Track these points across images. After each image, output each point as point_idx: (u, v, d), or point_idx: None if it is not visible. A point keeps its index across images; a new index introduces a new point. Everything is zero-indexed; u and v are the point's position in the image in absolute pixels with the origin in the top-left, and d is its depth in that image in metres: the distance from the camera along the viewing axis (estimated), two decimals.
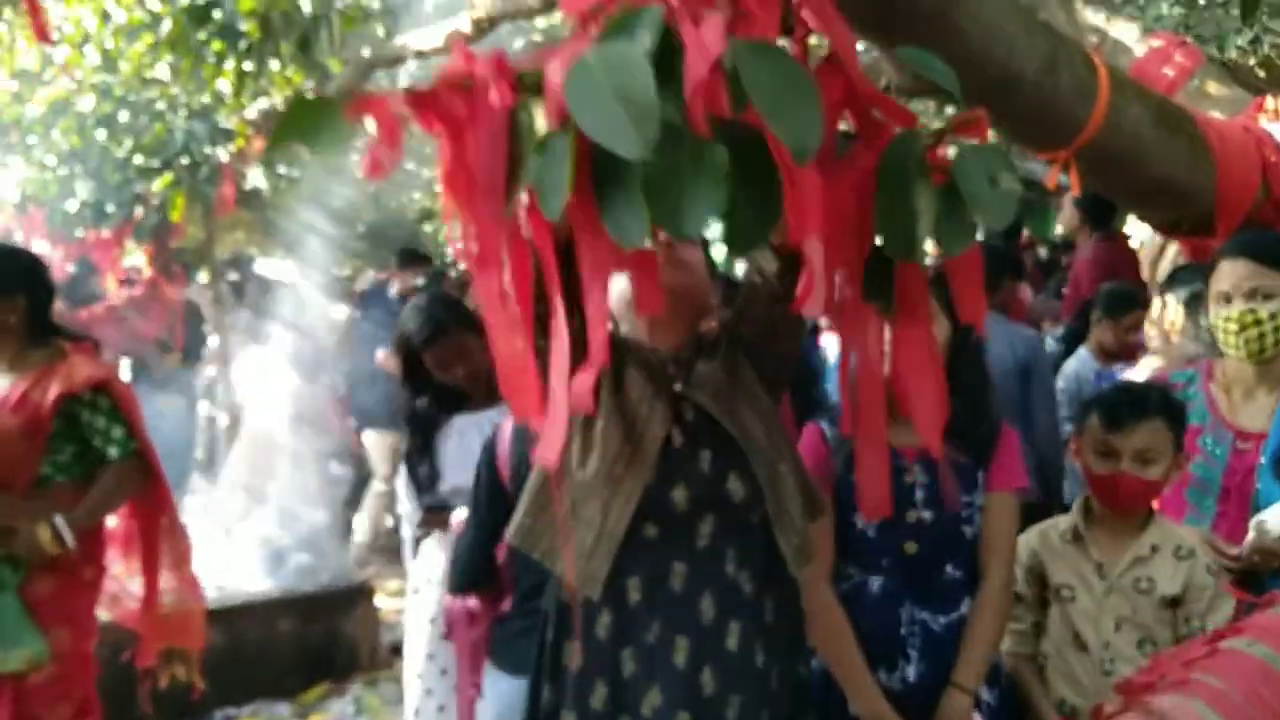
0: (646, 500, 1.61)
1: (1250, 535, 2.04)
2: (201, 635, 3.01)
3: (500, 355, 1.24)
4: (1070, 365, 3.69)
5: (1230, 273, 2.17)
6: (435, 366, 2.71)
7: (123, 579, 2.91)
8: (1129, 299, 3.72)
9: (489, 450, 2.19)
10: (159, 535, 2.88)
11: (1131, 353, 3.69)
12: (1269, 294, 2.12)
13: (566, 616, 1.68)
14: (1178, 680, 1.43)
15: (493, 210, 1.15)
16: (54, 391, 2.60)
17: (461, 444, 2.64)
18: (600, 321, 1.18)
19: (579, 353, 1.24)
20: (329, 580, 4.48)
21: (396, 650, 3.35)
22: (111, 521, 2.87)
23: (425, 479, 2.73)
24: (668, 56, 1.10)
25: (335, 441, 6.12)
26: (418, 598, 2.80)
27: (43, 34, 1.79)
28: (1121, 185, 3.15)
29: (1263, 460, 2.10)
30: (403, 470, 2.81)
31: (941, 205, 1.27)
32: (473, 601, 2.33)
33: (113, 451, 2.69)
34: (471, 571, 2.30)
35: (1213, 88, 5.14)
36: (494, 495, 2.15)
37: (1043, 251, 6.72)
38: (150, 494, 2.84)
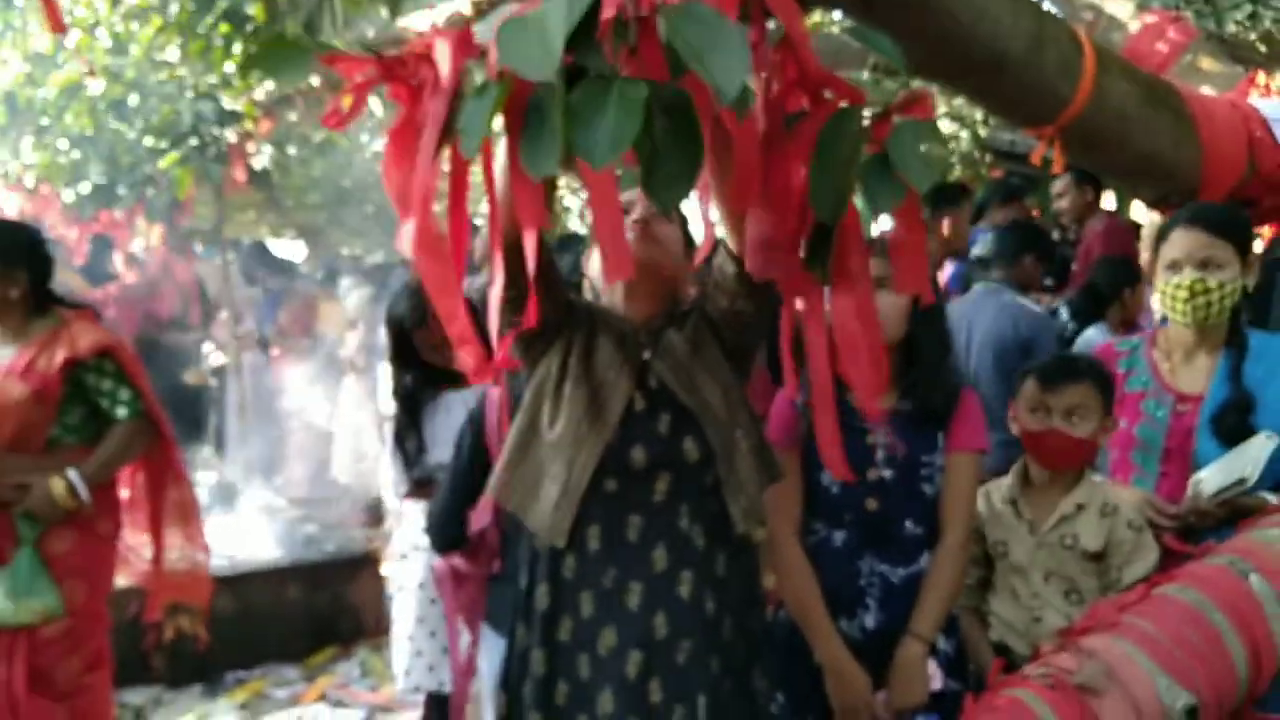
0: (608, 457, 1.70)
1: (1187, 495, 2.12)
2: (207, 591, 3.08)
3: (439, 310, 1.38)
4: (1089, 334, 3.74)
5: (1180, 242, 2.21)
6: (424, 347, 2.79)
7: (132, 540, 2.99)
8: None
9: (476, 418, 2.30)
10: (166, 494, 2.97)
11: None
12: (1219, 264, 2.17)
13: (537, 563, 1.79)
14: (1110, 623, 1.52)
15: (429, 158, 1.26)
16: (60, 357, 2.69)
17: (448, 419, 2.71)
18: (531, 269, 1.31)
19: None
20: (334, 549, 4.58)
21: None
22: (124, 490, 2.96)
23: (413, 452, 2.80)
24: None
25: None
26: (404, 564, 2.89)
27: (57, 24, 1.87)
28: (1108, 161, 3.18)
29: (1200, 421, 2.17)
30: (390, 443, 2.88)
31: (872, 170, 1.36)
32: (457, 560, 2.42)
33: (121, 412, 2.77)
34: (444, 529, 2.40)
35: (1206, 63, 5.15)
36: (475, 458, 2.27)
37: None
38: (158, 454, 2.93)
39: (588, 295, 1.94)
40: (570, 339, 1.77)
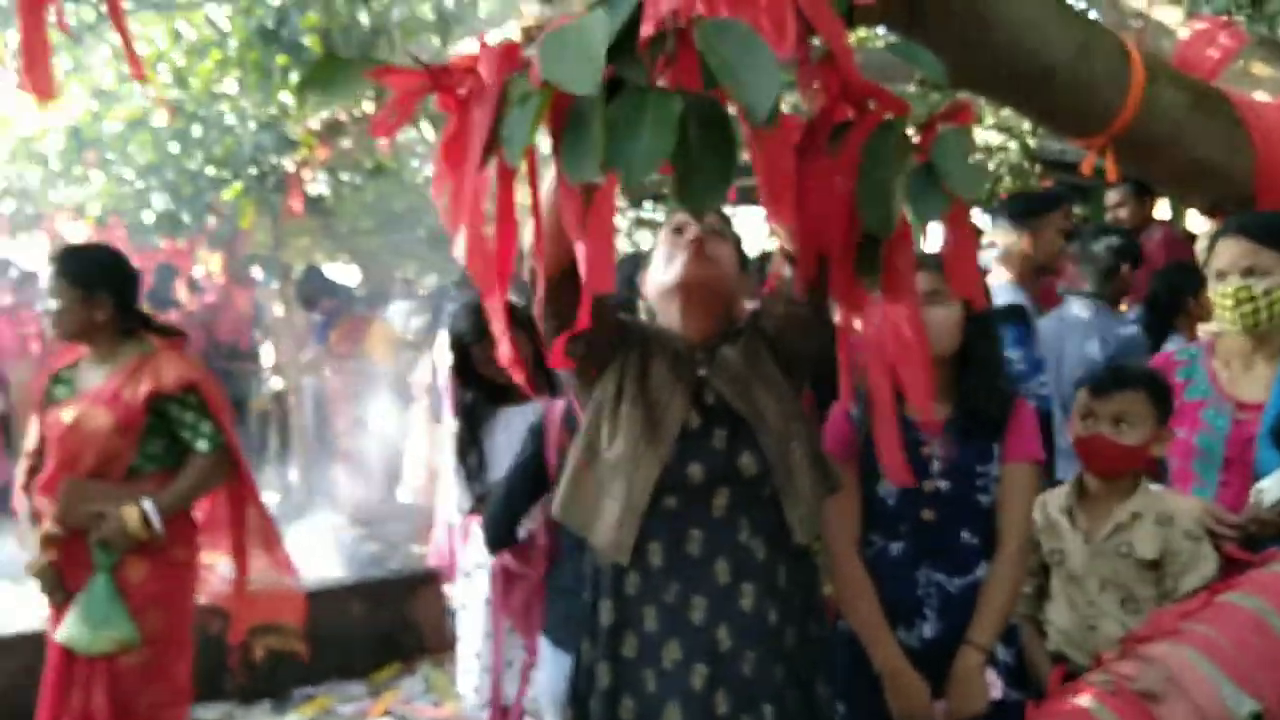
0: (666, 475, 1.73)
1: (1249, 504, 2.12)
2: (301, 610, 3.10)
3: (488, 307, 1.41)
4: (1168, 348, 3.70)
5: (1226, 251, 2.25)
6: (483, 362, 2.85)
7: (210, 560, 3.01)
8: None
9: (538, 430, 2.37)
10: (247, 523, 2.98)
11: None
12: (1264, 271, 2.20)
13: (600, 579, 1.83)
14: (1171, 630, 1.52)
15: (475, 167, 1.28)
16: (145, 389, 2.71)
17: (509, 435, 2.77)
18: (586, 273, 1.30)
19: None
20: (397, 566, 4.66)
21: None
22: (199, 514, 2.97)
23: (474, 468, 2.85)
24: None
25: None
26: (469, 581, 2.95)
27: (139, 72, 1.95)
28: (1160, 170, 3.16)
29: (1261, 430, 2.16)
30: (453, 460, 2.93)
31: (918, 181, 1.38)
32: (509, 559, 2.48)
33: (201, 445, 2.79)
34: (497, 529, 2.48)
35: (1258, 68, 5.08)
36: (534, 466, 2.35)
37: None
38: (237, 487, 2.95)
39: (643, 315, 1.98)
40: (625, 360, 1.81)
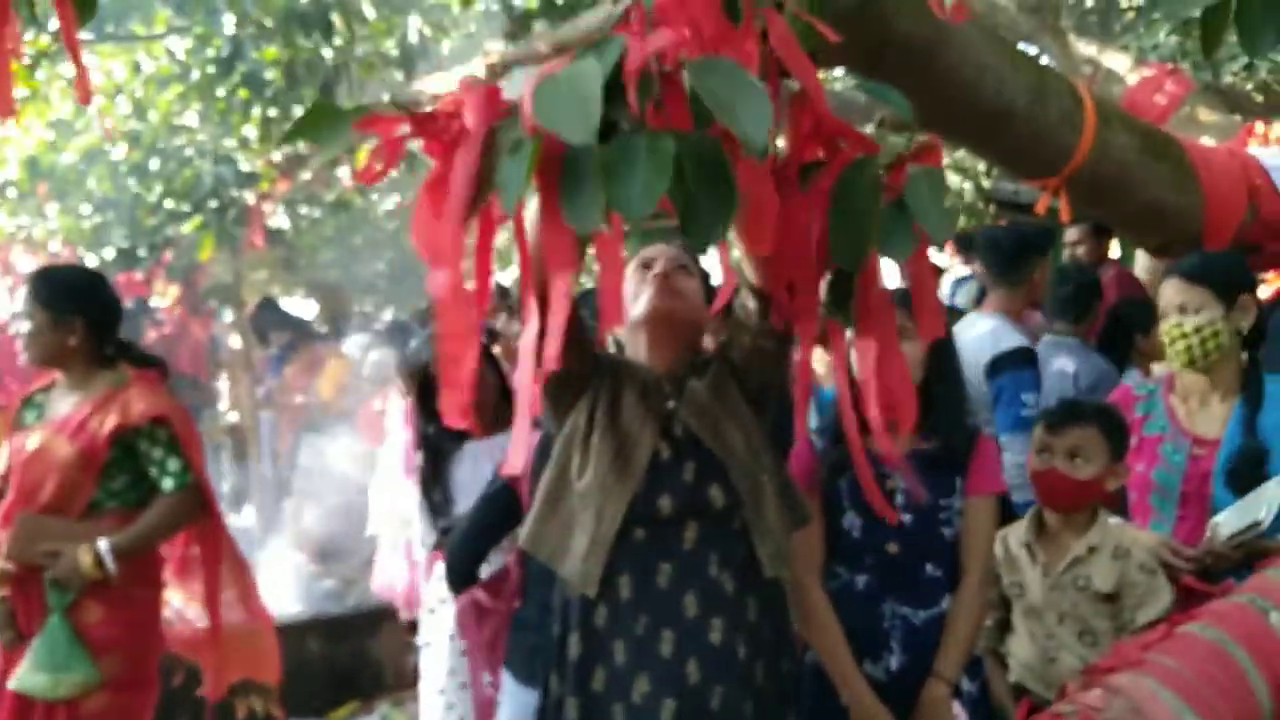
0: (635, 507, 1.74)
1: (1205, 538, 2.17)
2: (277, 666, 2.96)
3: (444, 354, 1.40)
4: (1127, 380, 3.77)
5: (1164, 291, 2.37)
6: None
7: (180, 606, 2.87)
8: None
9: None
10: (219, 567, 2.84)
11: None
12: (1195, 308, 2.28)
13: (569, 612, 1.83)
14: (1135, 661, 1.55)
15: (458, 216, 1.30)
16: (112, 422, 2.59)
17: (474, 469, 2.76)
18: (560, 316, 1.31)
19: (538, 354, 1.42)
20: (355, 603, 4.61)
21: None
22: (172, 555, 2.84)
23: (439, 503, 2.84)
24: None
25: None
26: (433, 617, 2.91)
27: (85, 96, 1.93)
28: (1112, 210, 3.26)
29: (1216, 467, 2.22)
30: (416, 494, 2.91)
31: (889, 220, 1.41)
32: (480, 594, 2.47)
33: (167, 484, 2.65)
34: (459, 567, 2.48)
35: (1204, 114, 5.26)
36: (502, 500, 2.35)
37: None
38: (206, 528, 2.81)
39: (611, 348, 2.00)
40: (597, 391, 1.82)
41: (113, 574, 2.56)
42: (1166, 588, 2.11)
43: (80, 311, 2.62)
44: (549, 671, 1.87)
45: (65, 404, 2.66)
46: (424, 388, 2.88)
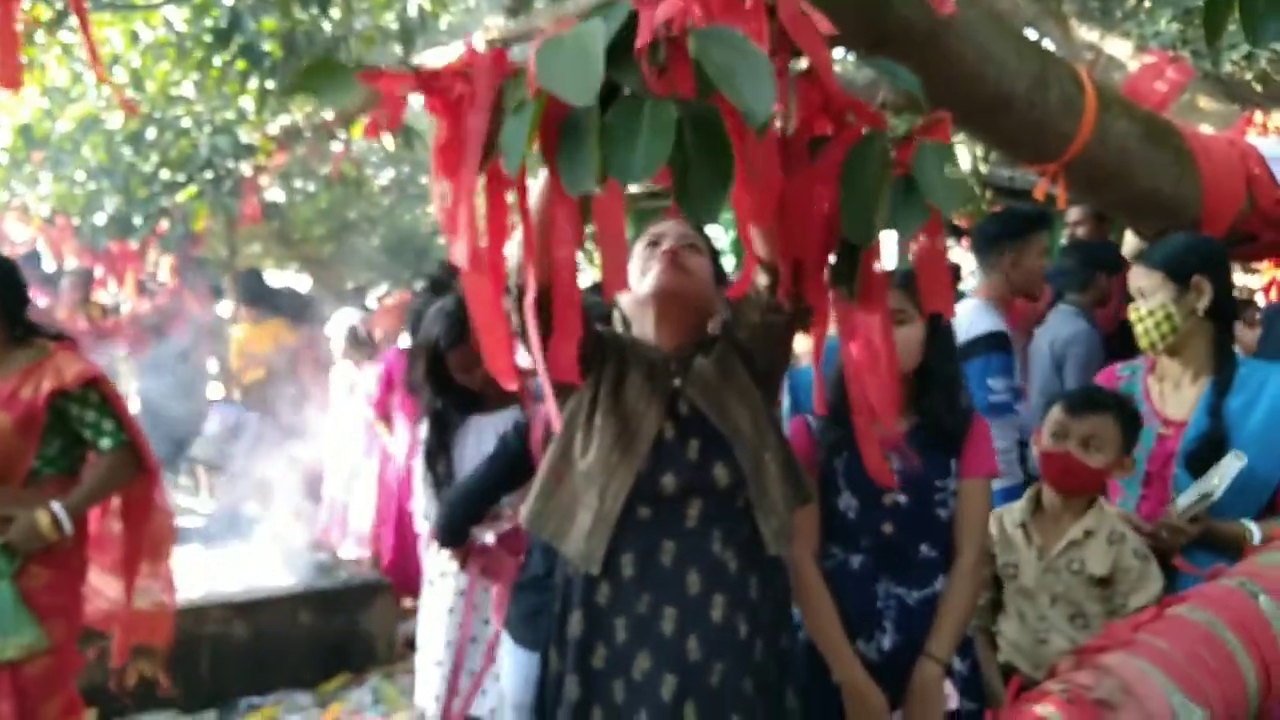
0: (639, 485, 1.75)
1: (1163, 511, 2.22)
2: (169, 633, 3.00)
3: (478, 321, 1.42)
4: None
5: (1129, 277, 2.42)
6: (457, 368, 2.83)
7: (97, 581, 2.92)
8: None
9: (522, 426, 2.41)
10: (143, 528, 2.90)
11: None
12: (1148, 292, 2.33)
13: (571, 589, 1.83)
14: (1125, 641, 1.57)
15: (472, 176, 1.29)
16: (46, 387, 2.65)
17: (478, 443, 2.76)
18: (570, 279, 1.32)
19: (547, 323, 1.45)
20: (347, 576, 4.62)
21: (411, 644, 3.47)
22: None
23: (443, 476, 2.83)
24: (633, 38, 1.26)
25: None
26: (433, 589, 2.92)
27: (101, 75, 1.93)
28: (1110, 197, 3.27)
29: (1179, 449, 2.26)
30: (420, 467, 2.92)
31: (899, 194, 1.41)
32: (489, 537, 2.49)
33: (105, 443, 2.74)
34: (453, 524, 2.53)
35: (1204, 102, 5.26)
36: (512, 462, 2.39)
37: None
38: (139, 485, 2.87)
39: (618, 326, 2.00)
40: (601, 370, 1.82)
41: (69, 535, 2.65)
42: (1158, 575, 2.14)
43: None
44: (548, 643, 1.88)
45: None
46: (434, 360, 2.87)
